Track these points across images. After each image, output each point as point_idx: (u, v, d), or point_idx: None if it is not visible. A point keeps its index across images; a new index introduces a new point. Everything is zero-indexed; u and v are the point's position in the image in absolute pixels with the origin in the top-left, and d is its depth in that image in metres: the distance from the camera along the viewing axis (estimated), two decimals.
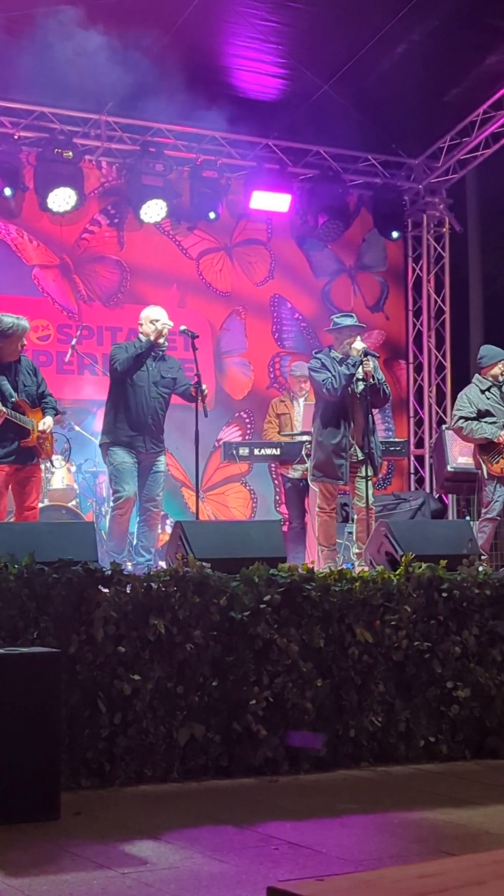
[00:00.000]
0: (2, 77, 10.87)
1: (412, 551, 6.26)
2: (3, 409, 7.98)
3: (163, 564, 6.91)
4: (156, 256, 12.61)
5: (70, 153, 11.58)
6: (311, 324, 13.29)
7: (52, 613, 5.25)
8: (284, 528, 10.60)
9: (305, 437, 9.90)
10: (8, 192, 11.44)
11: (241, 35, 11.33)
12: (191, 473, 10.58)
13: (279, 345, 13.31)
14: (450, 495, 12.53)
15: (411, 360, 14.06)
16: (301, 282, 13.48)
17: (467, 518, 11.34)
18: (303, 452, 9.94)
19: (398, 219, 13.66)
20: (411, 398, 14.02)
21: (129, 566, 8.11)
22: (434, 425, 13.69)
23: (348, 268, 13.76)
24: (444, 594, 6.09)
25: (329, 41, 11.43)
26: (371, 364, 8.76)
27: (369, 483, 8.76)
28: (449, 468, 11.58)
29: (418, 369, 14.04)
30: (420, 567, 6.09)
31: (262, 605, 5.59)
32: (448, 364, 13.90)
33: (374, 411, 9.23)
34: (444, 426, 12.40)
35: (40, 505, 8.98)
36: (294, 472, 10.47)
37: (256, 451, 10.66)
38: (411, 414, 14.01)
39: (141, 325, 8.94)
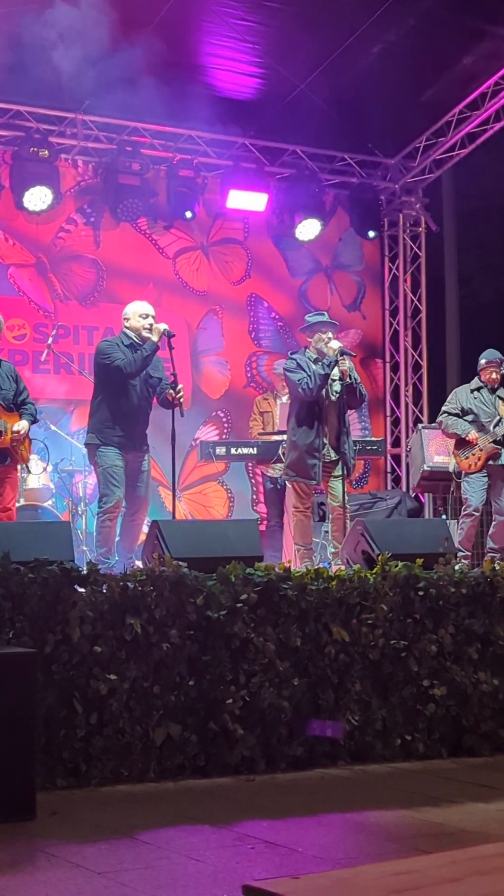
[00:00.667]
0: None
1: (389, 550, 6.27)
2: None
3: (139, 564, 6.88)
4: (132, 255, 12.59)
5: (46, 152, 11.54)
6: (288, 323, 13.29)
7: (27, 613, 5.23)
8: (262, 528, 10.61)
9: (283, 437, 9.91)
10: None
11: (218, 34, 11.32)
12: (167, 473, 10.53)
13: (256, 344, 13.31)
14: (426, 494, 12.56)
15: (388, 359, 14.08)
16: (278, 281, 13.48)
17: (443, 517, 11.39)
18: (279, 452, 9.95)
19: (374, 218, 13.68)
20: (388, 397, 14.05)
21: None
22: (410, 424, 13.72)
23: (325, 267, 13.77)
24: (421, 593, 6.10)
25: (306, 41, 11.43)
26: (347, 363, 8.78)
27: (343, 482, 8.77)
28: (425, 467, 11.64)
29: (395, 368, 14.06)
30: (396, 566, 6.10)
31: (238, 605, 5.59)
32: (424, 363, 13.94)
33: (350, 411, 9.26)
34: (420, 425, 12.46)
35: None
36: (275, 471, 10.48)
37: (233, 451, 10.66)
38: (388, 413, 14.03)
39: (128, 319, 8.54)
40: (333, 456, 8.80)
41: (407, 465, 13.23)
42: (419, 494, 12.67)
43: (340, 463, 8.77)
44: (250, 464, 11.90)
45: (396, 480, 13.79)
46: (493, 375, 9.91)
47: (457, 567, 6.44)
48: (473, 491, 9.79)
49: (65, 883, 3.80)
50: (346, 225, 13.71)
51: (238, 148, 12.71)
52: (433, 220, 14.11)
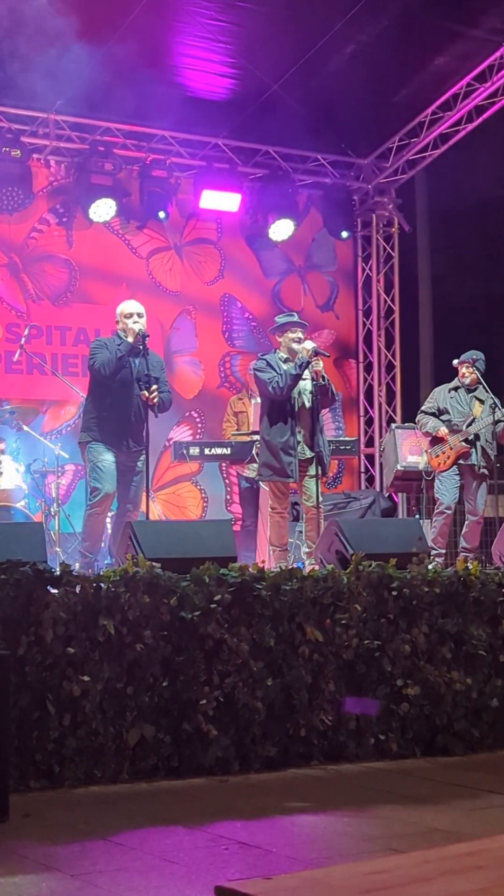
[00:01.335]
0: None
1: (362, 550, 6.28)
2: None
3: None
4: (105, 256, 12.56)
5: (18, 152, 11.50)
6: (262, 323, 13.29)
7: (0, 615, 5.21)
8: (236, 528, 10.61)
9: (257, 437, 9.91)
10: None
11: (191, 34, 11.31)
12: None
13: (229, 344, 13.30)
14: (400, 494, 12.60)
15: (361, 359, 14.11)
16: (251, 281, 13.48)
17: (417, 516, 11.42)
18: (253, 452, 9.95)
19: (348, 219, 13.71)
20: (361, 397, 14.07)
21: (77, 566, 8.02)
22: (384, 424, 13.76)
23: (298, 267, 13.78)
24: (394, 592, 6.11)
25: (279, 41, 11.44)
26: (320, 364, 8.80)
27: (318, 482, 8.78)
28: (399, 467, 11.68)
29: (368, 368, 14.09)
30: (370, 566, 6.11)
31: (212, 605, 5.59)
32: (398, 363, 13.98)
33: (324, 411, 9.28)
34: (393, 425, 12.49)
35: None
36: (250, 472, 10.48)
37: (207, 451, 10.65)
38: (361, 413, 14.06)
39: (117, 322, 8.72)
40: (308, 454, 8.81)
41: (380, 464, 13.26)
42: (393, 494, 12.71)
43: (315, 462, 8.78)
44: (224, 464, 11.89)
45: (370, 480, 13.81)
46: (465, 370, 9.97)
47: (430, 566, 6.46)
48: (446, 489, 9.86)
49: (37, 885, 3.79)
50: (320, 225, 13.72)
51: (211, 148, 12.71)
52: (406, 221, 14.14)
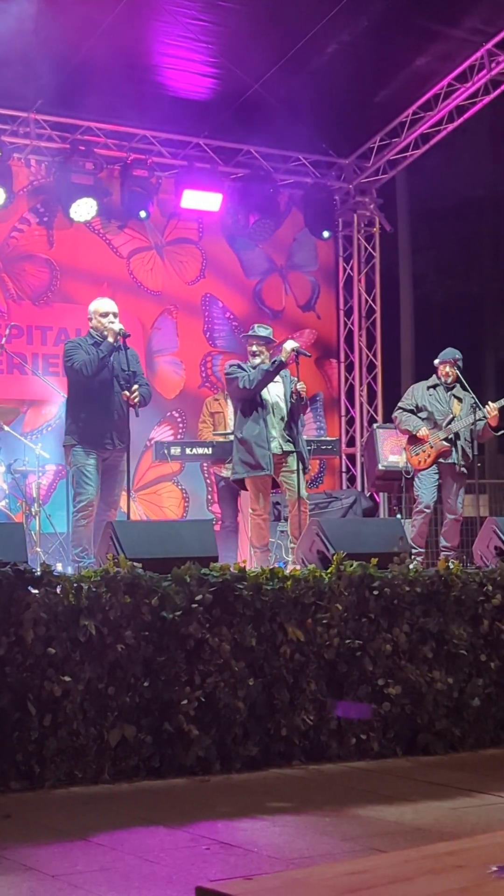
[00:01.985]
0: None
1: (344, 549, 6.28)
2: None
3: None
4: (86, 255, 12.54)
5: None
6: (243, 323, 13.28)
7: None
8: (216, 528, 10.59)
9: None
10: None
11: (172, 34, 11.30)
12: None
13: (211, 344, 13.30)
14: (381, 493, 12.62)
15: (342, 359, 14.12)
16: (232, 281, 13.48)
17: (398, 516, 11.44)
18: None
19: (329, 218, 13.71)
20: (342, 397, 14.08)
21: (58, 567, 8.00)
22: (365, 424, 13.77)
23: (279, 267, 13.79)
24: (375, 592, 6.12)
25: (260, 41, 11.43)
26: (301, 385, 8.85)
27: (301, 475, 8.79)
28: (380, 466, 11.70)
29: (349, 368, 14.10)
30: (351, 565, 6.12)
31: (193, 605, 5.58)
32: (379, 363, 13.99)
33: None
34: (375, 425, 12.51)
35: None
36: (227, 471, 10.46)
37: (188, 451, 10.64)
38: (342, 413, 14.07)
39: (90, 318, 8.64)
40: (285, 448, 8.82)
41: (362, 464, 13.27)
42: (374, 494, 12.72)
43: (296, 457, 8.80)
44: (205, 464, 11.88)
45: (351, 480, 13.83)
46: (449, 370, 9.98)
47: (411, 566, 6.47)
48: (425, 488, 9.88)
49: (18, 886, 3.78)
50: (301, 225, 13.73)
51: (192, 148, 12.70)
52: (387, 221, 14.16)
